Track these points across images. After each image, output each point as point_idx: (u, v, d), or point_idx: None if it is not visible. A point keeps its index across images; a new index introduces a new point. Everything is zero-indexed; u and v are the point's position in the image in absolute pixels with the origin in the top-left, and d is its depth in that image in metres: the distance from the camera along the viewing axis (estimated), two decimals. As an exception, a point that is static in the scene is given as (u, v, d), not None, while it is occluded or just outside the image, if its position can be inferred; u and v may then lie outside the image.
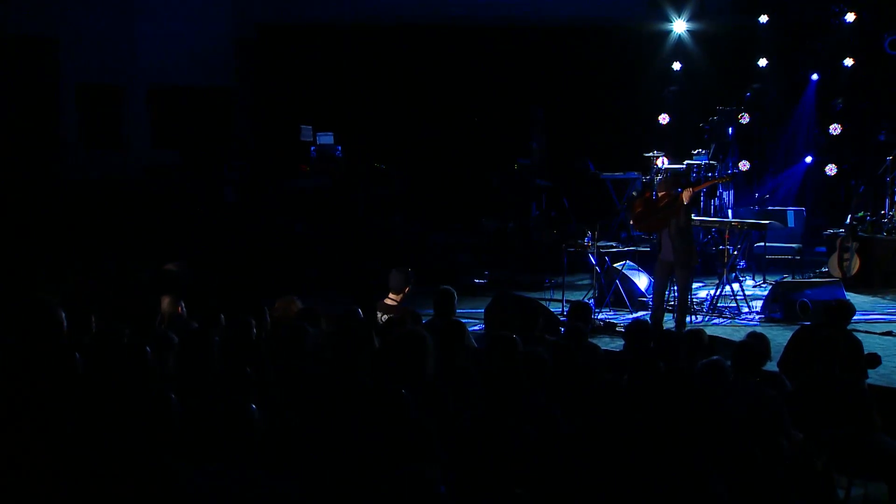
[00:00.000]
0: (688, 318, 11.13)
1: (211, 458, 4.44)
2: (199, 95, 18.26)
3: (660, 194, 10.71)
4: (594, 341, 8.69)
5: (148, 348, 5.50)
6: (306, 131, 17.38)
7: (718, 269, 12.90)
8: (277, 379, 5.92)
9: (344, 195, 16.70)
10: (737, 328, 11.13)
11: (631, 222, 11.24)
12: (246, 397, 4.97)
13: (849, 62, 17.08)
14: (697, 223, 12.66)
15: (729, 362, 6.43)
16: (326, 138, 17.34)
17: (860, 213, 14.62)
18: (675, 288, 10.92)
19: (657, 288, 10.96)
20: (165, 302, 7.93)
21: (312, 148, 17.22)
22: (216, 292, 10.28)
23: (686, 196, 10.41)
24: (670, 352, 7.01)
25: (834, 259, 13.92)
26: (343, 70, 18.63)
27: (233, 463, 4.40)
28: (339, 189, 16.69)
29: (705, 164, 15.41)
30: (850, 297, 11.26)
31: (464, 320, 7.96)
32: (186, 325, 7.57)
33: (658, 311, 10.80)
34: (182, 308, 8.08)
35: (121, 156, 17.22)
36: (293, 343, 6.24)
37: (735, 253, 12.79)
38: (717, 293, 12.22)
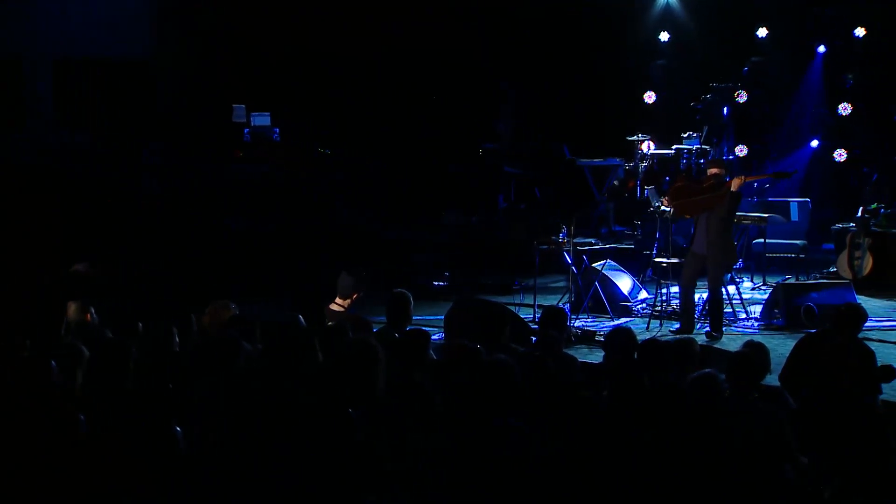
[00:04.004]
0: (674, 325, 11.24)
1: (126, 488, 4.40)
2: (113, 69, 18.11)
3: (709, 172, 10.86)
4: (570, 352, 8.72)
5: (53, 362, 5.45)
6: (239, 111, 17.31)
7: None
8: (204, 397, 5.88)
9: (283, 185, 16.64)
10: (733, 337, 11.20)
11: (666, 199, 11.36)
12: (167, 418, 4.94)
13: (860, 32, 17.24)
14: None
15: (723, 376, 6.47)
16: (262, 119, 17.29)
17: (873, 205, 14.71)
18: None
19: (685, 285, 11.04)
20: (72, 308, 7.86)
21: (246, 130, 17.16)
22: (133, 296, 10.20)
23: (736, 184, 10.61)
24: (656, 364, 7.03)
25: (843, 258, 14.04)
26: (281, 41, 18.51)
27: (151, 494, 4.37)
28: (278, 178, 16.62)
29: (697, 148, 15.52)
30: (862, 300, 11.39)
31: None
32: (98, 334, 7.51)
33: (686, 315, 10.98)
34: (92, 315, 8.02)
35: (20, 136, 17.04)
36: (223, 355, 6.20)
37: (731, 251, 12.87)
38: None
